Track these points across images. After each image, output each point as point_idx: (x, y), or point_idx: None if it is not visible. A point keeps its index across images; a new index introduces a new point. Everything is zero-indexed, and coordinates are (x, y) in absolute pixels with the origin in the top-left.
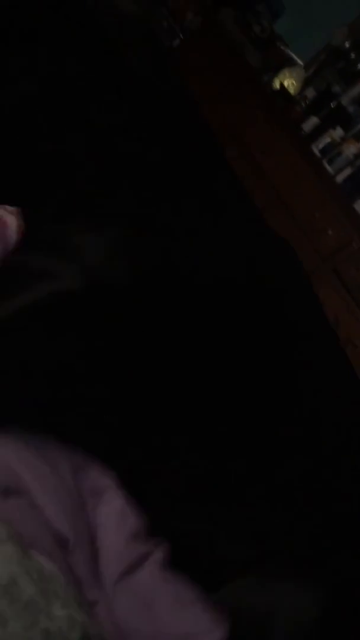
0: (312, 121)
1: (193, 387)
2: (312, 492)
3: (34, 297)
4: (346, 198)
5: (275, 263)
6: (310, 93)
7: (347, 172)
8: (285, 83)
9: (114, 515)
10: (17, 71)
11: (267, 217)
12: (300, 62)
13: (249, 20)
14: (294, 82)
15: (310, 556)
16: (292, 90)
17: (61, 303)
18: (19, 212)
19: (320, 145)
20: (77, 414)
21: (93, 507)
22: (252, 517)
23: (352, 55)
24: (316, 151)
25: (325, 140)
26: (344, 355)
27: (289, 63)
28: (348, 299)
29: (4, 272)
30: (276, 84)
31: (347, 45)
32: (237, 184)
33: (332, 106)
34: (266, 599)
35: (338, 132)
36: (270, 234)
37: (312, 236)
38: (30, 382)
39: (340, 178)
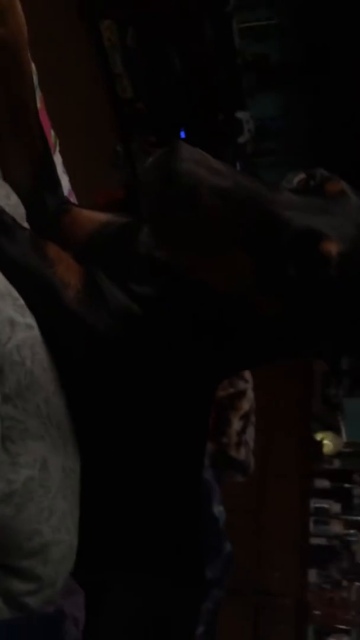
0: (324, 483)
1: None
2: None
3: None
4: (307, 560)
5: None
6: (337, 464)
7: (321, 541)
8: (324, 441)
9: None
10: None
11: None
12: (344, 438)
13: (331, 380)
14: (330, 444)
15: None
16: (325, 449)
17: None
18: None
19: (317, 505)
20: None
21: None
22: None
23: None
24: (311, 505)
25: (323, 505)
26: None
27: (336, 430)
28: None
29: None
30: (318, 436)
31: None
32: None
33: (346, 487)
34: None
35: (335, 508)
36: None
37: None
38: None
39: (313, 541)
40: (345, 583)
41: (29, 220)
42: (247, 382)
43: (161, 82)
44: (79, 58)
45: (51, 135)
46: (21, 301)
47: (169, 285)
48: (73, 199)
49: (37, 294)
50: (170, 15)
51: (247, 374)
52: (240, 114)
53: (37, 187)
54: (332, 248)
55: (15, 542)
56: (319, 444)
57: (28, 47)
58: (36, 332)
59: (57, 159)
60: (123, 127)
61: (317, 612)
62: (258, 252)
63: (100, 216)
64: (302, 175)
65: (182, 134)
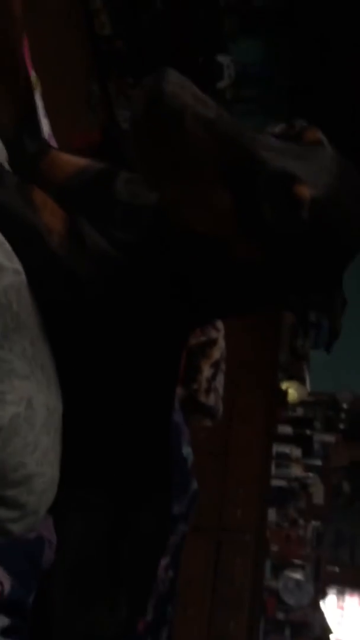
0: (287, 429)
1: None
2: None
3: None
4: (267, 499)
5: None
6: (300, 412)
7: (281, 483)
8: (289, 390)
9: None
10: None
11: None
12: (308, 387)
13: (299, 331)
14: (295, 393)
15: None
16: (289, 397)
17: None
18: None
19: (279, 450)
20: None
21: None
22: None
23: (342, 415)
24: (274, 450)
25: (285, 450)
26: None
27: (301, 380)
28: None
29: None
30: (283, 385)
31: (345, 406)
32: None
33: (307, 433)
34: None
35: (296, 452)
36: None
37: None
38: None
39: (274, 482)
40: (301, 522)
41: (10, 162)
42: (218, 331)
43: (141, 20)
44: None
45: (32, 77)
46: (8, 246)
47: (148, 232)
48: (53, 143)
49: (22, 238)
50: None
51: (219, 323)
52: (221, 58)
53: (18, 130)
54: (305, 191)
55: (1, 473)
56: (285, 392)
57: None
58: (23, 277)
59: (38, 102)
60: (100, 65)
61: (274, 548)
62: (237, 188)
63: (79, 160)
64: (282, 125)
65: None
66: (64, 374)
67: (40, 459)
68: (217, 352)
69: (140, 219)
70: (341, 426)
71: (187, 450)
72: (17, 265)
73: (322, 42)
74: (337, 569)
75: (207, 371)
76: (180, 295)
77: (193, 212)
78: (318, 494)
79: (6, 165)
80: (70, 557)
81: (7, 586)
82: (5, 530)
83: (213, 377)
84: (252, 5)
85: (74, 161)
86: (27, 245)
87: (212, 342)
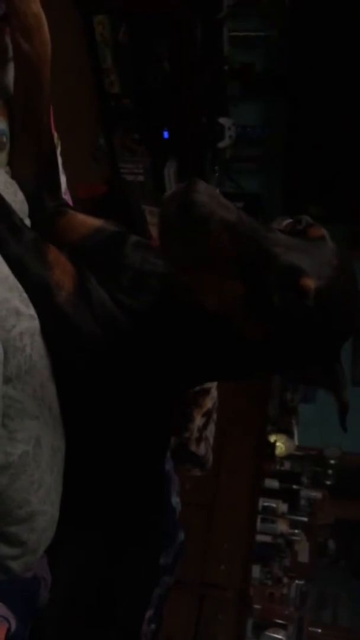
0: (274, 483)
1: None
2: None
3: None
4: (252, 556)
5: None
6: (287, 466)
7: (267, 539)
8: (278, 443)
9: None
10: None
11: None
12: (296, 441)
13: (288, 385)
14: (283, 447)
15: None
16: (277, 450)
17: None
18: None
19: (265, 504)
20: None
21: None
22: None
23: (330, 472)
24: (260, 504)
25: (271, 504)
26: None
27: (289, 434)
28: None
29: None
30: (272, 438)
31: (332, 462)
32: None
33: (293, 488)
34: None
35: (282, 508)
36: None
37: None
38: None
39: (259, 538)
40: (286, 580)
41: (30, 216)
42: (212, 381)
43: (149, 80)
44: (69, 49)
45: (54, 137)
46: (25, 294)
47: (154, 299)
48: (68, 198)
49: (33, 292)
50: (163, 16)
51: None
52: (222, 120)
53: (39, 187)
54: (310, 283)
55: (6, 509)
56: (273, 445)
57: (49, 65)
58: (37, 322)
59: (58, 159)
60: (107, 121)
61: (257, 606)
62: (249, 279)
63: (93, 222)
64: (289, 220)
65: (166, 134)
66: (66, 417)
67: (43, 497)
68: (210, 402)
69: (147, 285)
70: (328, 482)
71: (175, 500)
72: (32, 311)
73: (315, 107)
74: (319, 630)
75: (199, 420)
76: (179, 361)
77: (205, 296)
78: (303, 551)
79: (27, 219)
80: (63, 597)
81: (13, 624)
82: (5, 567)
83: (204, 426)
84: (254, 71)
85: (88, 222)
86: (37, 299)
87: (205, 392)
